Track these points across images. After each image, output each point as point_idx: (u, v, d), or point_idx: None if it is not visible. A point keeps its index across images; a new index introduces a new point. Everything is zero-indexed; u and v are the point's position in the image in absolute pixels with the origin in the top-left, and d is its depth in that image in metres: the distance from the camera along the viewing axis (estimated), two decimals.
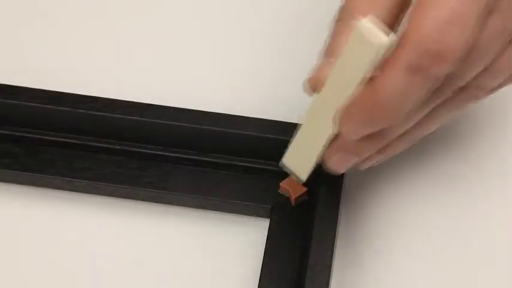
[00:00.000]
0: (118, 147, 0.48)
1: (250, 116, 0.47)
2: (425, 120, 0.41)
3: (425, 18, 0.36)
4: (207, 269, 0.46)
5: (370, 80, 0.38)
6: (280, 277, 0.44)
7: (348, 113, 0.40)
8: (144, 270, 0.46)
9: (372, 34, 0.36)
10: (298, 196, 0.46)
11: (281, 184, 0.47)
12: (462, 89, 0.40)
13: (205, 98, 0.51)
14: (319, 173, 0.44)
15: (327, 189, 0.44)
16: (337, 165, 0.43)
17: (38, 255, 0.47)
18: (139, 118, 0.47)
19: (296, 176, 0.46)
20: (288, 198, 0.47)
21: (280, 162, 0.46)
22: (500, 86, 0.42)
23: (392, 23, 0.40)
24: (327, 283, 0.42)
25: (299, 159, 0.45)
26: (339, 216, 0.44)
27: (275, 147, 0.46)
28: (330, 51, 0.42)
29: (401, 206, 0.48)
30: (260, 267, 0.45)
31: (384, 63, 0.38)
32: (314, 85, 0.42)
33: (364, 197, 0.48)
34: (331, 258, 0.42)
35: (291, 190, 0.47)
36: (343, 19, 0.41)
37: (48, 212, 0.48)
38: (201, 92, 0.52)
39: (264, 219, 0.47)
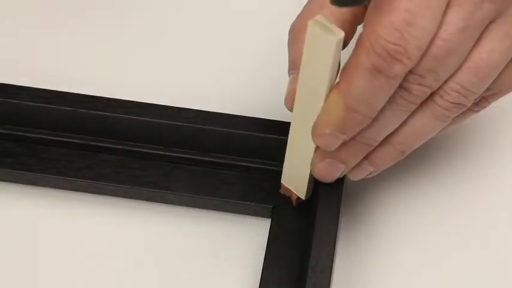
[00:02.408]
0: (119, 146, 0.48)
1: (251, 115, 0.47)
2: (406, 129, 0.41)
3: (381, 20, 0.37)
4: (208, 269, 0.46)
5: (335, 87, 0.39)
6: (281, 277, 0.44)
7: (317, 124, 0.41)
8: (144, 270, 0.46)
9: (326, 29, 0.37)
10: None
11: (282, 184, 0.47)
12: (440, 94, 0.40)
13: (206, 98, 0.51)
14: None
15: (328, 189, 0.44)
16: (324, 172, 0.43)
17: (38, 254, 0.47)
18: (140, 118, 0.47)
19: (297, 195, 0.46)
20: (289, 198, 0.46)
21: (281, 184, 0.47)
22: (486, 99, 0.42)
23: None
24: (328, 283, 0.42)
25: (294, 178, 0.45)
26: (340, 217, 0.44)
27: (276, 147, 0.46)
28: (291, 64, 0.43)
29: (402, 206, 0.48)
30: (261, 267, 0.45)
31: (346, 67, 0.39)
32: (288, 104, 0.43)
33: (365, 197, 0.48)
34: (332, 258, 0.42)
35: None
36: (294, 30, 0.43)
37: (48, 211, 0.48)
38: (202, 92, 0.52)
39: (265, 219, 0.47)
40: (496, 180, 0.49)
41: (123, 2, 0.56)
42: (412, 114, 0.41)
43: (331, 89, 0.40)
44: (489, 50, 0.39)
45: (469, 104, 0.41)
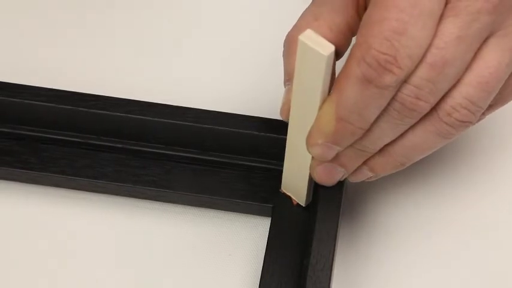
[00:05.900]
0: (120, 145, 0.48)
1: (252, 114, 0.47)
2: (406, 142, 0.41)
3: (372, 30, 0.37)
4: (208, 268, 0.46)
5: (328, 97, 0.39)
6: (281, 276, 0.44)
7: (311, 134, 0.41)
8: (145, 269, 0.46)
9: (317, 44, 0.37)
10: None
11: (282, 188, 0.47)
12: (448, 111, 0.39)
13: (207, 97, 0.52)
14: None
15: (329, 188, 0.44)
16: (324, 176, 0.43)
17: (39, 253, 0.47)
18: (141, 117, 0.47)
19: (296, 201, 0.46)
20: (289, 197, 0.47)
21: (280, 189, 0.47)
22: (484, 112, 0.41)
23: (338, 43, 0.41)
24: (328, 282, 0.42)
25: (293, 186, 0.45)
26: (341, 215, 0.44)
27: (277, 146, 0.46)
28: (286, 75, 0.43)
29: (402, 205, 0.48)
30: (261, 266, 0.45)
31: (338, 77, 0.39)
32: (284, 115, 0.43)
33: (366, 196, 0.49)
34: (333, 256, 0.42)
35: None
36: (289, 42, 0.43)
37: (49, 210, 0.48)
38: (203, 91, 0.52)
39: (266, 218, 0.47)
40: (499, 182, 0.49)
41: (124, 2, 0.56)
42: (413, 128, 0.40)
43: (324, 99, 0.40)
44: (497, 64, 0.39)
45: (475, 121, 0.40)
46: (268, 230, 0.46)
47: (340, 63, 0.40)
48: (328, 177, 0.43)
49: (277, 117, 0.46)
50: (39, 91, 0.48)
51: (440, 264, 0.47)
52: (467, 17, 0.37)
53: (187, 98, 0.50)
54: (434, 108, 0.39)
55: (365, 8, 0.39)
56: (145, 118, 0.47)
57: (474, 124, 0.41)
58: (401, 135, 0.41)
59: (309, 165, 0.43)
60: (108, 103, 0.47)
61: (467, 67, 0.39)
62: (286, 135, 0.44)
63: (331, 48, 0.37)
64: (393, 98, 0.39)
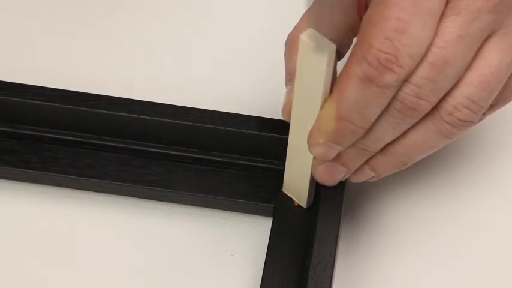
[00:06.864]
0: (121, 145, 0.48)
1: (254, 114, 0.47)
2: (408, 141, 0.41)
3: (372, 30, 0.37)
4: (209, 268, 0.46)
5: (329, 96, 0.39)
6: (282, 276, 0.44)
7: (312, 133, 0.41)
8: (146, 269, 0.46)
9: (318, 43, 0.37)
10: None
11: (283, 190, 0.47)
12: (449, 111, 0.39)
13: (209, 97, 0.52)
14: None
15: (330, 188, 0.44)
16: (325, 176, 0.43)
17: (40, 253, 0.47)
18: (143, 116, 0.47)
19: (298, 203, 0.46)
20: (291, 199, 0.47)
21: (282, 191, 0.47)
22: (485, 112, 0.41)
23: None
24: (330, 282, 0.42)
25: (295, 187, 0.45)
26: (342, 215, 0.44)
27: (279, 146, 0.46)
28: (288, 75, 0.43)
29: (403, 206, 0.48)
30: (262, 266, 0.45)
31: (340, 77, 0.39)
32: (286, 115, 0.44)
33: (367, 196, 0.49)
34: (334, 257, 0.42)
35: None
36: (290, 42, 0.43)
37: (51, 209, 0.48)
38: (205, 91, 0.52)
39: (267, 218, 0.47)
40: (499, 182, 0.49)
41: (127, 1, 0.56)
42: (415, 127, 0.40)
43: (325, 99, 0.40)
44: (498, 63, 0.39)
45: (477, 121, 0.40)
46: (269, 229, 0.46)
47: (341, 64, 0.40)
48: (329, 177, 0.44)
49: (279, 117, 0.46)
50: (41, 91, 0.48)
51: (440, 264, 0.47)
52: (468, 15, 0.37)
53: (190, 98, 0.50)
54: (435, 108, 0.39)
55: (366, 8, 0.40)
56: (147, 118, 0.47)
57: (476, 124, 0.41)
58: (403, 135, 0.41)
59: (310, 166, 0.43)
60: (110, 103, 0.47)
61: (468, 66, 0.39)
62: (288, 136, 0.44)
63: (332, 47, 0.37)
64: (394, 97, 0.39)
